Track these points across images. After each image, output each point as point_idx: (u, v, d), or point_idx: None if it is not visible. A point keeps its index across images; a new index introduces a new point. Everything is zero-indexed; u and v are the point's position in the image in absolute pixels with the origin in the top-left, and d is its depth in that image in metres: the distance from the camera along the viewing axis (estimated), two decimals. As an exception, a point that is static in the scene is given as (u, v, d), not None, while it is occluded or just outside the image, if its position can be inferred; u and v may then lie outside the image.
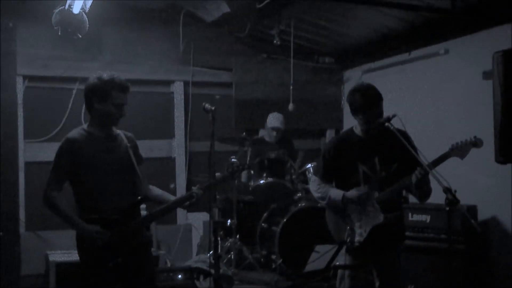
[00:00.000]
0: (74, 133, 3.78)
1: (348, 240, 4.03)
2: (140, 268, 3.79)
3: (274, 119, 6.85)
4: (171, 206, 4.00)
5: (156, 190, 4.04)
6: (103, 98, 3.70)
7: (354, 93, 4.06)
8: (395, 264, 4.15)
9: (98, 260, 3.62)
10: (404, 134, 3.94)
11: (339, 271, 4.14)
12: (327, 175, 4.25)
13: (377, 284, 4.14)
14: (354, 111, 4.07)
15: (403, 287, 5.37)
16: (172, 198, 4.11)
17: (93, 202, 3.70)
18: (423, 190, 3.95)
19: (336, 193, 4.13)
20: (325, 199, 4.21)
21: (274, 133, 6.81)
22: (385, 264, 4.10)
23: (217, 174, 4.52)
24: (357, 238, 4.03)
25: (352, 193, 4.05)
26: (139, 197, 3.87)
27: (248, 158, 6.50)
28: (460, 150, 3.83)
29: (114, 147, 3.83)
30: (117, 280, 3.72)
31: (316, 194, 4.30)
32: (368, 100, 3.97)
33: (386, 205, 3.99)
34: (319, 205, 4.33)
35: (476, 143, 3.85)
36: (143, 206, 4.44)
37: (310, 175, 4.39)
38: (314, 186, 4.31)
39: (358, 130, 4.15)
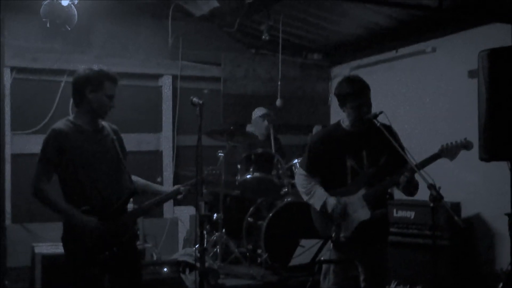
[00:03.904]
0: (60, 124, 3.74)
1: (334, 235, 4.00)
2: (126, 260, 3.79)
3: (259, 110, 6.84)
4: (160, 201, 4.01)
5: (140, 181, 4.04)
6: (96, 88, 3.69)
7: (342, 83, 4.04)
8: (381, 260, 4.15)
9: (87, 252, 3.60)
10: (389, 129, 3.94)
11: (324, 266, 4.15)
12: (313, 169, 4.20)
13: (362, 278, 4.16)
14: (342, 101, 4.03)
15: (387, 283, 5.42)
16: (157, 187, 4.13)
17: (81, 194, 3.67)
18: (411, 188, 3.97)
19: (319, 196, 4.09)
20: (308, 195, 4.18)
21: (265, 122, 6.77)
22: (370, 260, 4.09)
23: (207, 168, 4.51)
24: (343, 234, 4.01)
25: (331, 202, 4.02)
26: (131, 190, 3.86)
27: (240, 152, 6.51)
28: (450, 151, 3.83)
29: (101, 139, 3.81)
30: (104, 272, 3.72)
31: (301, 189, 4.27)
32: (355, 89, 3.95)
33: (373, 201, 3.99)
34: (305, 200, 4.32)
35: (467, 145, 3.85)
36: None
37: (297, 169, 4.39)
38: (300, 180, 4.27)
39: (345, 124, 4.10)
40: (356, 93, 3.95)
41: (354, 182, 4.04)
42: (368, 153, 4.03)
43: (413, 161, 3.75)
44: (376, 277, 4.14)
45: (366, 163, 4.03)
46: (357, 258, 4.12)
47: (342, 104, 4.05)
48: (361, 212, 3.99)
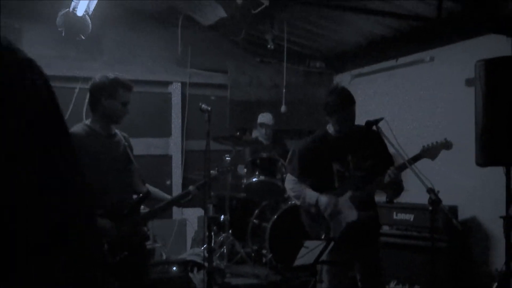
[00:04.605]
0: (77, 128, 3.77)
1: (324, 237, 4.01)
2: (135, 260, 3.80)
3: (262, 117, 6.88)
4: (170, 204, 4.03)
5: (151, 188, 4.06)
6: (111, 95, 3.71)
7: (330, 95, 4.06)
8: (374, 260, 4.17)
9: (104, 254, 3.61)
10: (376, 134, 3.98)
11: (318, 267, 4.15)
12: (302, 174, 4.22)
13: (358, 278, 4.16)
14: (329, 112, 4.07)
15: (386, 282, 5.42)
16: (165, 195, 4.14)
17: (95, 197, 3.69)
18: (395, 189, 3.99)
19: (310, 196, 4.11)
20: (299, 199, 4.21)
21: (264, 130, 6.82)
22: (364, 261, 4.11)
23: (212, 172, 4.52)
24: (332, 235, 4.03)
25: (323, 200, 4.05)
26: (143, 194, 3.87)
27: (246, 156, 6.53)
28: (430, 151, 3.87)
29: (114, 144, 3.84)
30: (115, 272, 3.73)
31: (291, 193, 4.30)
32: (342, 102, 3.98)
33: (360, 203, 4.01)
34: (297, 202, 4.36)
35: (447, 145, 3.89)
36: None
37: (286, 175, 4.40)
38: (290, 184, 4.29)
39: (331, 130, 4.13)
40: (340, 107, 3.98)
41: (341, 185, 4.07)
42: (354, 157, 4.05)
43: (402, 160, 3.80)
44: (371, 277, 4.15)
45: (352, 167, 4.06)
46: (351, 259, 4.12)
47: (327, 114, 4.10)
48: (348, 213, 4.01)
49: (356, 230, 4.01)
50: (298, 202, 4.29)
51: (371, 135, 4.02)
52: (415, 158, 3.85)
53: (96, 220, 0.83)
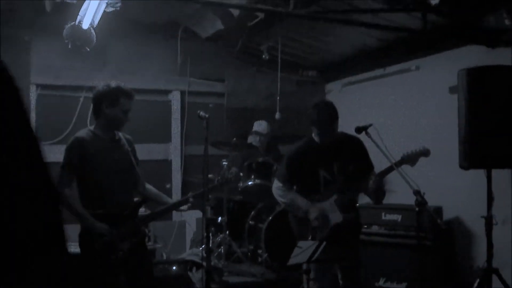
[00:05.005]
0: (82, 133, 3.79)
1: (310, 238, 4.07)
2: (139, 260, 3.82)
3: (256, 125, 6.91)
4: (170, 208, 4.05)
5: (152, 190, 4.07)
6: (112, 103, 3.73)
7: (313, 109, 4.12)
8: (355, 257, 4.28)
9: (97, 254, 3.62)
10: (356, 140, 4.08)
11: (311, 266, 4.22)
12: (289, 180, 4.29)
13: (339, 277, 4.25)
14: (311, 124, 4.15)
15: (375, 280, 5.44)
16: (166, 198, 4.15)
17: (97, 198, 3.70)
18: (378, 193, 4.05)
19: (301, 202, 4.17)
20: (288, 204, 4.27)
21: (258, 138, 6.85)
22: (346, 259, 4.18)
23: (210, 175, 4.55)
24: (318, 235, 4.08)
25: (315, 209, 4.10)
26: (142, 198, 3.89)
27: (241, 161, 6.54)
28: (410, 158, 3.94)
29: (117, 148, 3.86)
30: (119, 272, 3.74)
31: (279, 199, 4.34)
32: (322, 118, 4.04)
33: (344, 206, 4.09)
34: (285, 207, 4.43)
35: (425, 152, 3.97)
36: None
37: (274, 181, 4.45)
38: (278, 190, 4.33)
39: (317, 138, 4.19)
40: (322, 122, 4.05)
41: (326, 190, 4.14)
42: (338, 163, 4.13)
43: (389, 163, 3.86)
44: (352, 273, 4.24)
45: (337, 173, 4.13)
46: (336, 257, 4.18)
47: (311, 125, 4.17)
48: (333, 216, 4.09)
49: (340, 231, 4.09)
50: (285, 207, 4.37)
51: (353, 142, 4.11)
52: (397, 164, 3.90)
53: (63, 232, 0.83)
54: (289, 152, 4.46)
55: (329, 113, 4.07)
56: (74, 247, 5.32)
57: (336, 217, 4.08)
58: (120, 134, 3.94)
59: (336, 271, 4.27)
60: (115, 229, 3.64)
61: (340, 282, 4.24)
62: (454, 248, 5.63)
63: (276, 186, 4.37)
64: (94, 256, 3.64)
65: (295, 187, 4.32)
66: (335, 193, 4.10)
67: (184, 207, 4.02)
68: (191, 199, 3.95)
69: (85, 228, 3.67)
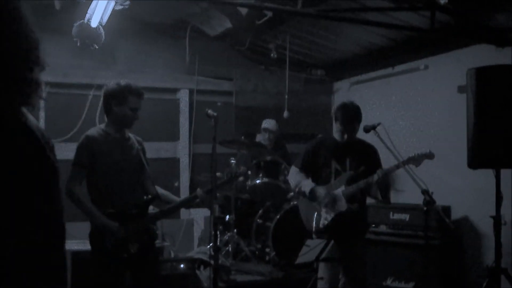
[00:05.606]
0: (93, 131, 3.80)
1: (314, 224, 4.37)
2: (147, 258, 3.82)
3: (265, 123, 6.91)
4: (179, 205, 4.05)
5: (161, 190, 4.07)
6: (121, 102, 3.73)
7: (341, 107, 4.44)
8: (356, 253, 4.40)
9: (108, 252, 3.63)
10: (372, 148, 4.42)
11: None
12: (305, 167, 4.59)
13: (341, 269, 4.37)
14: (335, 120, 4.49)
15: (383, 279, 5.43)
16: (174, 197, 4.15)
17: (107, 197, 3.70)
18: (382, 188, 4.30)
19: (306, 185, 4.47)
20: (296, 187, 4.57)
21: (267, 135, 6.84)
22: (346, 255, 4.32)
23: (218, 174, 4.56)
24: (322, 222, 4.35)
25: (318, 190, 4.39)
26: (152, 196, 3.89)
27: (249, 160, 6.55)
28: (415, 160, 4.11)
29: (127, 147, 3.86)
30: (126, 269, 3.76)
31: (292, 181, 4.66)
32: (347, 117, 4.35)
33: (351, 197, 4.33)
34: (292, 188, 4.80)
35: (429, 156, 4.15)
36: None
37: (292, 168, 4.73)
38: (293, 175, 4.66)
39: (336, 135, 4.49)
40: (345, 121, 4.36)
41: (336, 181, 4.39)
42: (351, 160, 4.41)
43: (397, 161, 4.08)
44: (353, 270, 4.30)
45: (348, 168, 4.40)
46: (336, 256, 4.31)
47: (335, 121, 4.51)
48: (339, 204, 4.33)
49: (344, 220, 4.32)
50: (294, 188, 4.67)
51: (369, 148, 4.44)
52: (402, 164, 4.10)
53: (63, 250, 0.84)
54: (309, 143, 4.75)
55: (355, 113, 4.37)
56: (84, 245, 5.39)
57: (341, 205, 4.32)
58: (131, 134, 3.95)
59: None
60: (125, 228, 3.65)
61: (341, 278, 4.31)
62: (462, 247, 5.61)
63: (293, 170, 4.69)
64: (105, 254, 3.65)
65: (309, 174, 4.60)
66: (344, 184, 4.33)
67: (196, 201, 4.01)
68: (199, 196, 3.94)
69: (96, 226, 3.67)
